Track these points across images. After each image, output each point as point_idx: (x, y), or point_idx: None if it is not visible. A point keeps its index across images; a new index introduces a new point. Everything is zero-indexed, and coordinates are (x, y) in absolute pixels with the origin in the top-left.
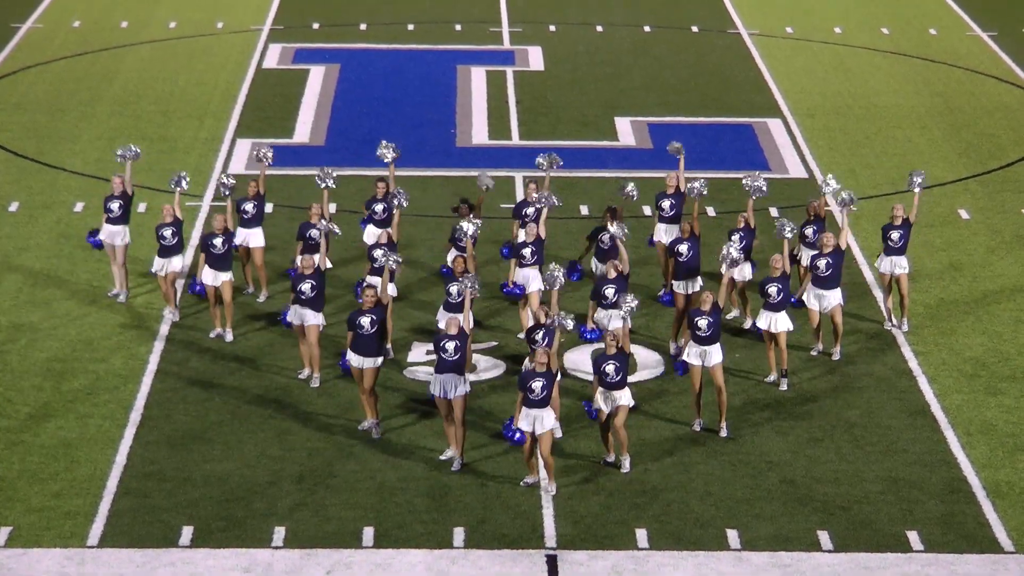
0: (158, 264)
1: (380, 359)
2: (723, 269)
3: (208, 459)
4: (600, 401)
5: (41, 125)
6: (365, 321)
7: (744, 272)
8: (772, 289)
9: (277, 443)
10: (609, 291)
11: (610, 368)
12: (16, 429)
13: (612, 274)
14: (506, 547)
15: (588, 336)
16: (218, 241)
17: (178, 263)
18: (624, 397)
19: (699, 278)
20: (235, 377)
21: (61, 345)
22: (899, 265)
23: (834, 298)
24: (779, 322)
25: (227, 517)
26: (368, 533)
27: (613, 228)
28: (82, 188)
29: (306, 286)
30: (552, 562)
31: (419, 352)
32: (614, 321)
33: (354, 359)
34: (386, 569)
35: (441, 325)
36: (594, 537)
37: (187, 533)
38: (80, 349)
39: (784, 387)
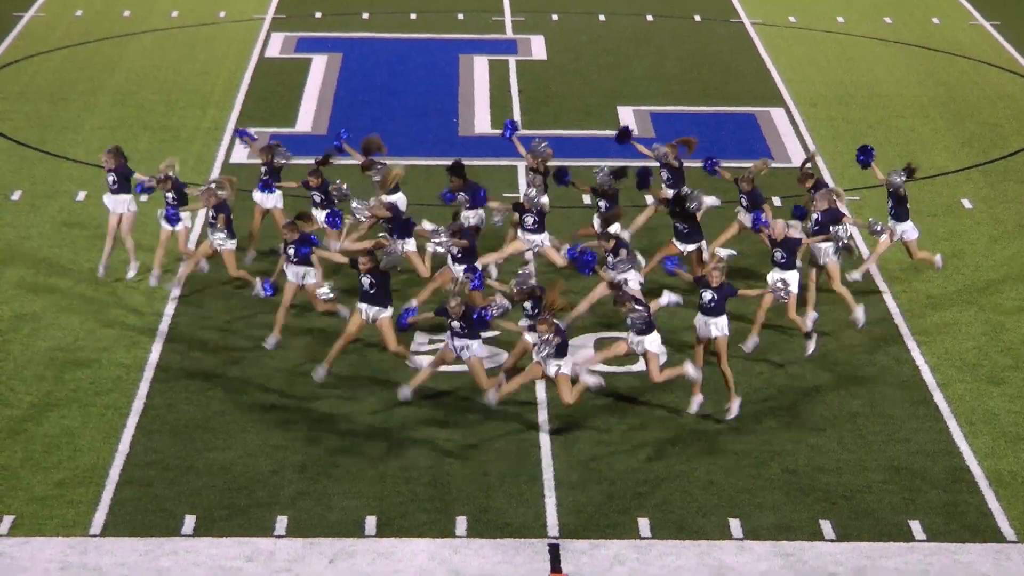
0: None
1: (390, 309)
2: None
3: (210, 448)
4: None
5: (43, 114)
6: (365, 281)
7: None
8: (777, 253)
9: (279, 432)
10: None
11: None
12: (19, 418)
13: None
14: (508, 536)
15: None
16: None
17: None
18: (654, 343)
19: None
20: (238, 366)
21: (64, 334)
22: (906, 232)
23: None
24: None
25: (229, 506)
26: (371, 522)
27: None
28: (84, 177)
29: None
30: (554, 551)
31: (422, 341)
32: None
33: (363, 308)
34: (388, 558)
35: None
36: (596, 526)
37: (190, 522)
38: (83, 338)
39: (810, 347)
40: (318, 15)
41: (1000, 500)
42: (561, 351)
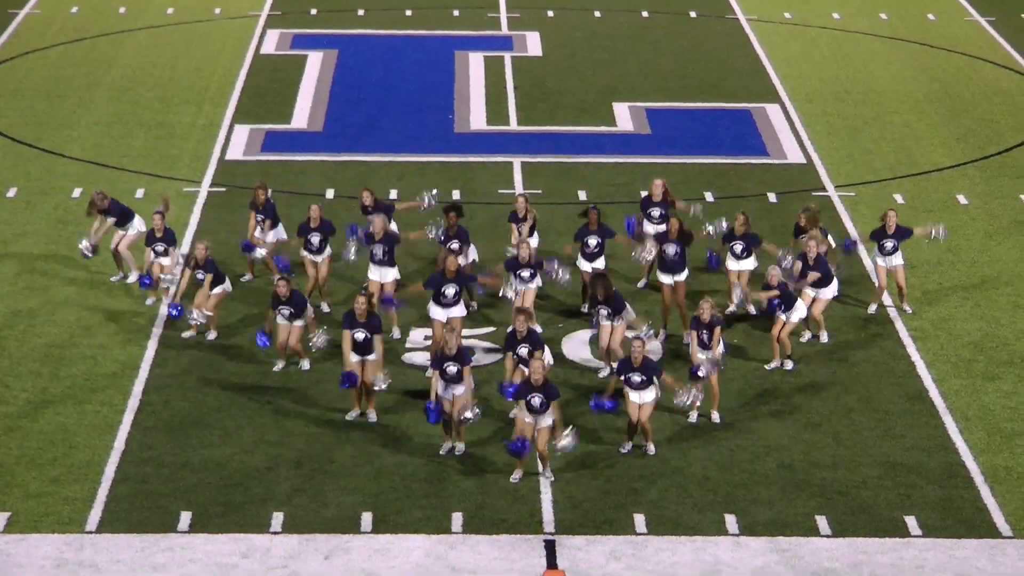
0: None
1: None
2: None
3: (206, 445)
4: (631, 394)
5: (39, 111)
6: (360, 336)
7: (744, 265)
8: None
9: (275, 429)
10: (604, 311)
11: (636, 379)
12: (14, 415)
13: (602, 294)
14: (504, 532)
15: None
16: (199, 276)
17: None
18: (651, 394)
19: (685, 270)
20: (233, 363)
21: (59, 331)
22: (894, 260)
23: (829, 292)
24: (795, 312)
25: (225, 502)
26: (366, 518)
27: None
28: (80, 174)
29: (287, 311)
30: (550, 547)
31: (417, 337)
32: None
33: (353, 357)
34: (384, 554)
35: (433, 315)
36: (592, 522)
37: (185, 518)
38: (78, 335)
39: (790, 366)
40: (313, 12)
41: (995, 496)
42: (545, 405)
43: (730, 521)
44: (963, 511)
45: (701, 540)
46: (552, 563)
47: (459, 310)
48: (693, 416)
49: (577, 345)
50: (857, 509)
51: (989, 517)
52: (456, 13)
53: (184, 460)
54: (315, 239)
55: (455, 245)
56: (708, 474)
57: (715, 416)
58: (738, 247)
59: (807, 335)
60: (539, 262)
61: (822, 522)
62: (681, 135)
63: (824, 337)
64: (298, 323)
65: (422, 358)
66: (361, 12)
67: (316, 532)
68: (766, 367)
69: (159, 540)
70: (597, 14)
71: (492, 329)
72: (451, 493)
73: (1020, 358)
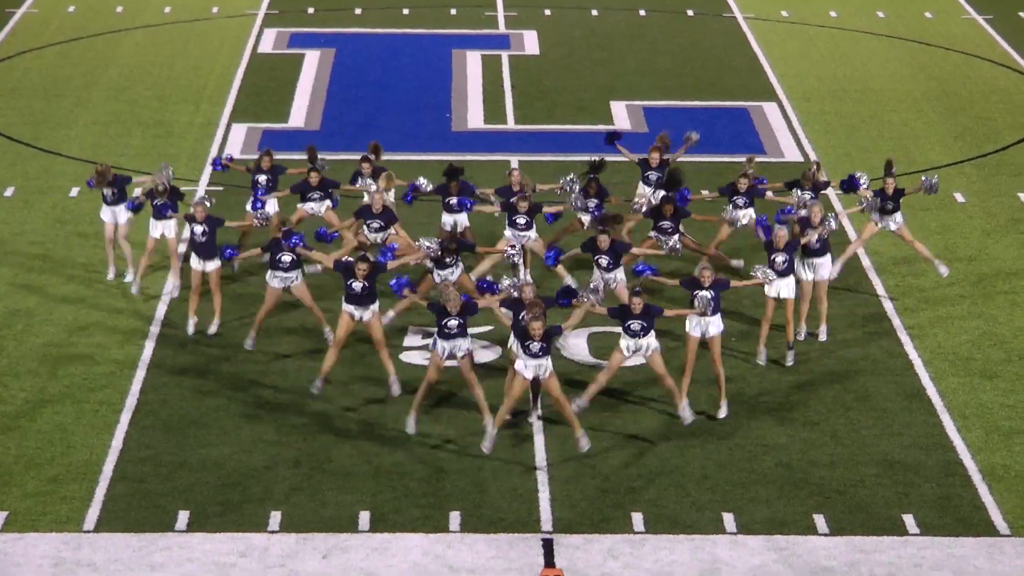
0: (154, 229)
1: (376, 305)
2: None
3: (204, 444)
4: (627, 349)
5: (36, 110)
6: (357, 286)
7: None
8: (779, 258)
9: (273, 428)
10: (603, 260)
11: (636, 326)
12: (12, 414)
13: (604, 244)
14: (502, 531)
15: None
16: (199, 229)
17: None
18: (653, 342)
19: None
20: (231, 362)
21: (57, 330)
22: (894, 220)
23: (825, 267)
24: (784, 289)
25: (223, 502)
26: (364, 517)
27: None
28: (78, 173)
29: (287, 257)
30: (548, 546)
31: (416, 336)
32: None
33: (351, 310)
34: (383, 553)
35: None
36: (590, 521)
37: (183, 518)
38: (76, 334)
39: (791, 361)
40: (311, 11)
41: (993, 494)
42: (546, 349)
43: (728, 520)
44: (961, 509)
45: (699, 539)
46: (550, 562)
47: (459, 272)
48: (690, 416)
49: (576, 343)
50: (855, 507)
51: (987, 515)
52: (453, 12)
53: (182, 459)
54: (316, 194)
55: (453, 201)
56: (706, 473)
57: (723, 409)
58: (739, 200)
59: (804, 333)
60: (538, 205)
61: (820, 520)
62: (679, 134)
63: (822, 335)
64: (298, 279)
65: (421, 358)
66: (358, 11)
67: (314, 531)
68: (758, 361)
69: (157, 539)
70: (594, 13)
71: (491, 328)
72: (449, 492)
73: (1018, 356)
